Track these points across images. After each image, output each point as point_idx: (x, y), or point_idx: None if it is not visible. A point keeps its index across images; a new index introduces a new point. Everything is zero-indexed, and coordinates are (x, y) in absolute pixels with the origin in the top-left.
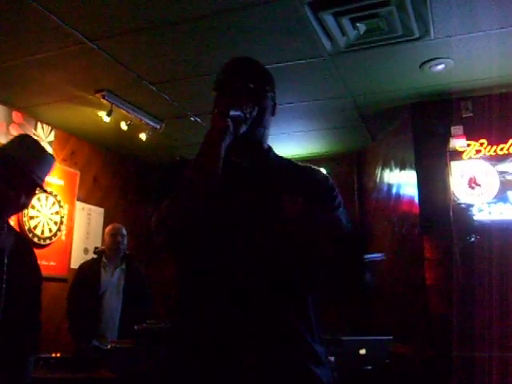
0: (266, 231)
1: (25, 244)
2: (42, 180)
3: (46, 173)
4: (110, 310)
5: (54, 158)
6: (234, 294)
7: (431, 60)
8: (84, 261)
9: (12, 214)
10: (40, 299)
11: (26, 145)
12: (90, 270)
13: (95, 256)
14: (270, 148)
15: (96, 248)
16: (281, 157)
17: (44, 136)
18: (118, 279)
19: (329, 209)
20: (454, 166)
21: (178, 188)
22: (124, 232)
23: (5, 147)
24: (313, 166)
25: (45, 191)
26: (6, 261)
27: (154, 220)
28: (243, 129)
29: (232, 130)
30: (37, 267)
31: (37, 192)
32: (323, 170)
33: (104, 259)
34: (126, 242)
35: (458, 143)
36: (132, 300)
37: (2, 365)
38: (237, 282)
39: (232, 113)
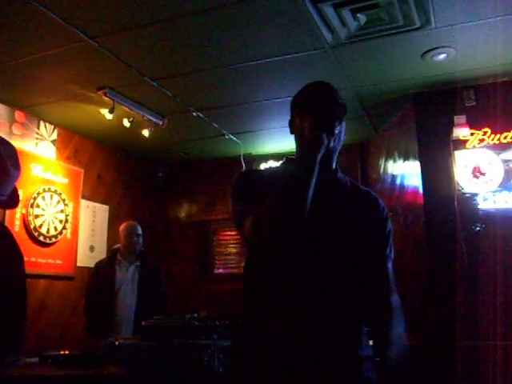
0: (333, 248)
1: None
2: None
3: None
4: (125, 306)
5: (18, 169)
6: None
7: (433, 49)
8: (99, 260)
9: None
10: (24, 291)
11: None
12: (104, 268)
13: (109, 255)
14: (337, 168)
15: (111, 247)
16: (345, 177)
17: (47, 135)
18: (132, 276)
19: (380, 239)
20: (458, 155)
21: (279, 190)
22: (139, 231)
23: None
24: (372, 192)
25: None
26: None
27: (259, 217)
28: (332, 145)
29: (326, 145)
30: (15, 252)
31: None
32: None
33: (119, 257)
34: (141, 240)
35: (461, 132)
36: (147, 296)
37: None
38: (304, 291)
39: (335, 131)
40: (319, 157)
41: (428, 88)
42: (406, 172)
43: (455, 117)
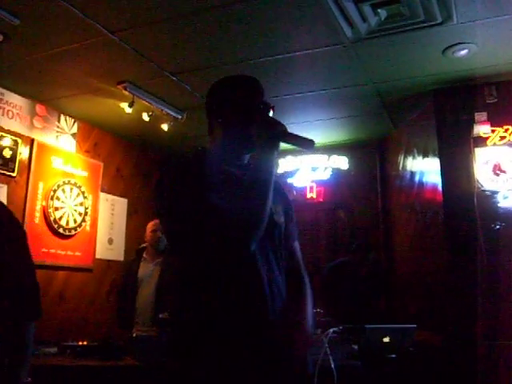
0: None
1: None
2: None
3: None
4: (144, 301)
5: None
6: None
7: (454, 45)
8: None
9: None
10: (29, 259)
11: None
12: (131, 265)
13: (136, 253)
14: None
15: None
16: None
17: (67, 128)
18: (153, 271)
19: (291, 219)
20: (478, 152)
21: (246, 187)
22: None
23: None
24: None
25: None
26: None
27: (222, 216)
28: None
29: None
30: (14, 224)
31: None
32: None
33: (144, 255)
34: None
35: (481, 129)
36: (166, 291)
37: None
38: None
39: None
40: (276, 155)
41: (449, 84)
42: (426, 169)
43: (476, 113)
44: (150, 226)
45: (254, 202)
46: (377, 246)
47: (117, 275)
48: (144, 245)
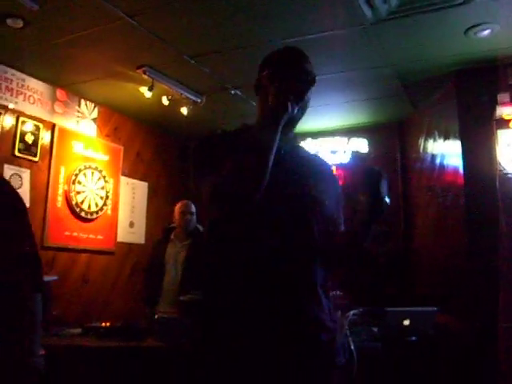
0: (291, 213)
1: None
2: None
3: None
4: (169, 282)
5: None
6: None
7: (476, 25)
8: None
9: None
10: (29, 229)
11: None
12: (158, 245)
13: (164, 234)
14: (295, 137)
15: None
16: (301, 146)
17: (88, 113)
18: (179, 253)
19: (337, 208)
20: (501, 134)
21: (240, 155)
22: (193, 209)
23: None
24: (327, 162)
25: None
26: None
27: (218, 185)
28: (294, 113)
29: (290, 112)
30: (14, 196)
31: None
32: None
33: (172, 236)
34: (195, 218)
35: (504, 111)
36: (191, 273)
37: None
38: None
39: (301, 99)
40: (282, 123)
41: (470, 65)
42: (447, 151)
43: (498, 95)
44: (179, 207)
45: (250, 164)
46: (396, 234)
47: (138, 258)
48: (173, 224)
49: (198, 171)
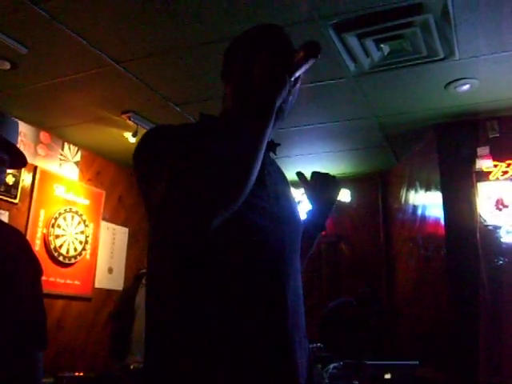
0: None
1: (16, 234)
2: (10, 143)
3: (12, 136)
4: (141, 329)
5: (16, 122)
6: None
7: (456, 80)
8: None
9: None
10: (41, 289)
11: None
12: (128, 292)
13: (135, 279)
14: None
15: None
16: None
17: (71, 156)
18: None
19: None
20: (481, 187)
21: (221, 148)
22: None
23: None
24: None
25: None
26: None
27: (188, 188)
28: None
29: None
30: (33, 256)
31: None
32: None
33: (144, 281)
34: None
35: (484, 164)
36: None
37: (5, 365)
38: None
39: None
40: (279, 103)
41: (451, 118)
42: (428, 203)
43: (478, 148)
44: None
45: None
46: (380, 294)
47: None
48: (143, 270)
49: (153, 174)
